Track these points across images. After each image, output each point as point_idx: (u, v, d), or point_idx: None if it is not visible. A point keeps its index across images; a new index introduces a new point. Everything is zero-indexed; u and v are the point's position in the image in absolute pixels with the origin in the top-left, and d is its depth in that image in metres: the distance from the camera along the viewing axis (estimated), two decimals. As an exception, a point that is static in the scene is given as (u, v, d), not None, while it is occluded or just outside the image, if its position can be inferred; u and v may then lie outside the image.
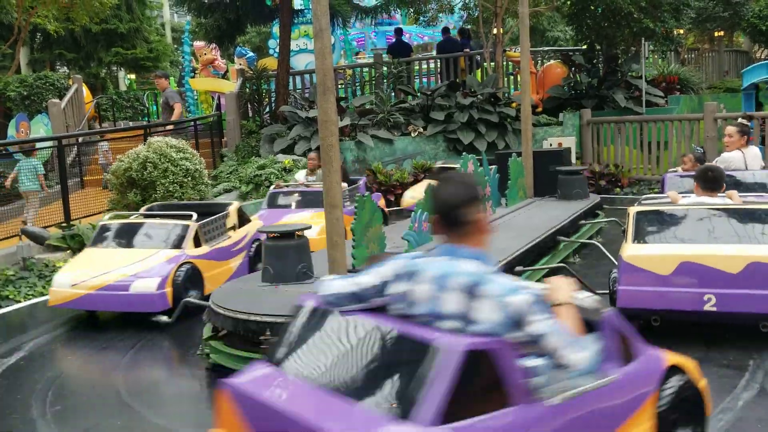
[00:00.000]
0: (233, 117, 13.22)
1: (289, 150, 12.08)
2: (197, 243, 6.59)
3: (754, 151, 6.81)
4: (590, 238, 7.98)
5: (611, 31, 14.50)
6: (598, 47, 15.36)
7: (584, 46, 15.63)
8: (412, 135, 12.78)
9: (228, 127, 13.34)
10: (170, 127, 11.92)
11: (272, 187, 9.26)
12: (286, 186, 9.17)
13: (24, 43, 17.48)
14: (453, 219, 2.57)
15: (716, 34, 22.90)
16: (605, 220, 8.66)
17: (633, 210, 5.23)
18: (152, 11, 24.92)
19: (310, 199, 8.51)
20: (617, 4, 13.48)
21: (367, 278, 2.78)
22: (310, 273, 5.26)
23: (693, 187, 5.49)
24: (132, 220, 6.98)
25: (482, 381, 2.32)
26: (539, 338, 2.38)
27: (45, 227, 8.81)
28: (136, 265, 6.10)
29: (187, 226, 6.57)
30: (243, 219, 7.48)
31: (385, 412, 2.27)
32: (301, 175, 9.39)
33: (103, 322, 6.23)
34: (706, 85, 18.36)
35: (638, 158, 12.90)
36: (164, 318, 5.91)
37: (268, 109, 14.34)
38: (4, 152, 11.53)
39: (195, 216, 6.73)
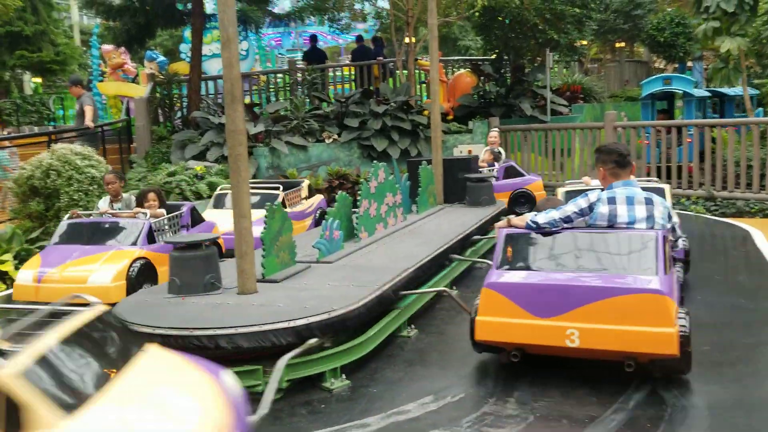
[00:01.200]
0: (143, 122, 12.93)
1: (201, 156, 11.93)
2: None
3: None
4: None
5: (518, 41, 15.04)
6: (506, 57, 15.88)
7: (493, 56, 16.13)
8: (327, 142, 12.85)
9: (137, 133, 13.04)
10: (76, 132, 11.54)
11: (66, 216, 7.49)
12: (86, 215, 7.49)
13: None
14: (625, 163, 4.52)
15: (617, 45, 24.02)
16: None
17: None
18: (60, 13, 24.01)
19: (106, 232, 7.08)
20: (523, 15, 13.99)
21: (571, 206, 4.50)
22: (218, 284, 5.25)
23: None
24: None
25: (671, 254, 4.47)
26: (675, 224, 4.58)
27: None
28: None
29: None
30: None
31: (627, 272, 4.19)
32: (104, 203, 7.65)
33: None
34: (608, 94, 19.23)
35: (543, 165, 13.38)
36: None
37: (179, 115, 14.11)
38: None
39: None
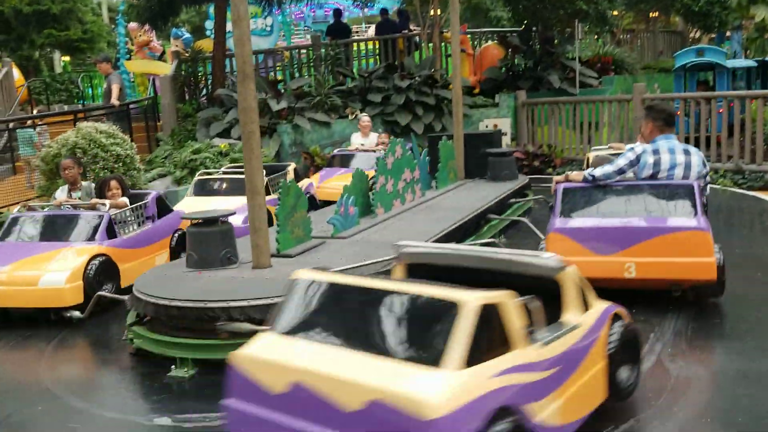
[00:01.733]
0: (168, 100, 13.07)
1: (225, 134, 12.02)
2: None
3: None
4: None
5: (546, 12, 14.79)
6: (534, 29, 15.65)
7: (521, 28, 15.91)
8: (350, 118, 12.85)
9: (163, 111, 13.18)
10: (104, 110, 11.72)
11: (16, 209, 7.28)
12: (41, 207, 6.94)
13: (-50, 24, 16.91)
14: (672, 122, 5.35)
15: (651, 15, 23.47)
16: (533, 198, 8.94)
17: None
18: (87, -9, 24.24)
19: (61, 227, 6.44)
20: (551, -14, 13.75)
21: (622, 160, 5.24)
22: (234, 258, 5.34)
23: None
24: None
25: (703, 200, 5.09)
26: (707, 172, 5.31)
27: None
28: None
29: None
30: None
31: (672, 215, 4.99)
32: (62, 192, 7.06)
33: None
34: (641, 66, 18.85)
35: (571, 138, 13.23)
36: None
37: (204, 92, 14.21)
38: None
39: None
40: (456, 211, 7.14)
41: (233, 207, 6.58)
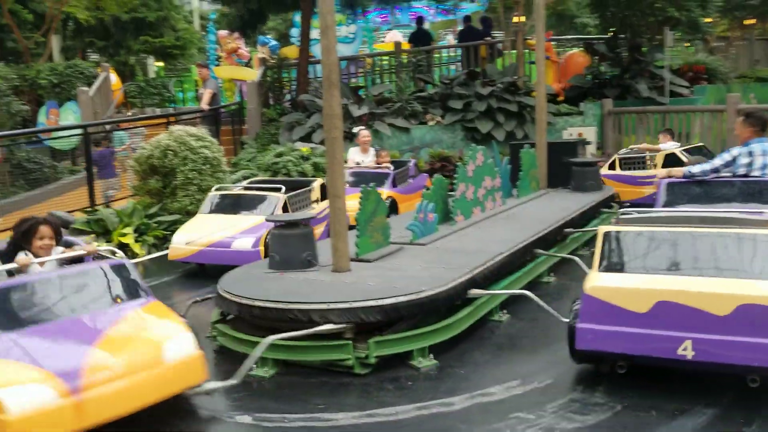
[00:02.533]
0: (254, 105, 13.43)
1: (307, 138, 12.26)
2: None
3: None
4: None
5: (635, 19, 14.43)
6: (622, 36, 15.28)
7: (608, 35, 15.56)
8: (430, 124, 12.87)
9: (248, 115, 13.56)
10: (196, 113, 12.16)
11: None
12: None
13: (56, 32, 17.89)
14: (765, 125, 5.56)
15: (746, 22, 22.54)
16: (613, 211, 8.71)
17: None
18: (180, 0, 25.22)
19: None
20: (640, -8, 13.42)
21: (718, 160, 5.59)
22: (314, 261, 5.44)
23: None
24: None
25: None
26: None
27: (70, 212, 9.10)
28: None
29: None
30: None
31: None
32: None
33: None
34: (736, 75, 18.10)
35: (659, 149, 12.82)
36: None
37: (288, 97, 14.53)
38: (34, 139, 11.87)
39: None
40: (537, 220, 7.04)
41: (244, 227, 7.17)
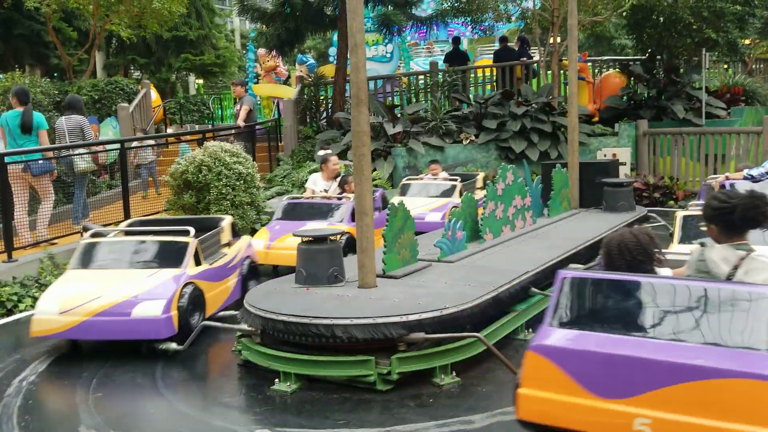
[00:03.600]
0: (290, 122, 13.62)
1: (342, 155, 12.36)
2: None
3: None
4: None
5: (672, 41, 14.30)
6: (658, 57, 15.15)
7: (645, 56, 15.44)
8: (464, 143, 12.89)
9: (285, 132, 13.76)
10: (233, 130, 12.38)
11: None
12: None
13: (99, 49, 18.38)
14: None
15: (788, 43, 22.15)
16: (650, 225, 8.63)
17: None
18: (222, 18, 25.72)
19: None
20: (678, 14, 13.30)
21: None
22: (341, 276, 5.47)
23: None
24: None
25: None
26: None
27: (105, 225, 9.30)
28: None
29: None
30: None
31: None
32: None
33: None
34: (775, 97, 17.78)
35: (695, 170, 12.66)
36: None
37: (324, 115, 14.70)
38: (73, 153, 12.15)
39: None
40: (567, 240, 6.99)
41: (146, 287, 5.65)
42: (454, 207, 7.22)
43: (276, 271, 7.71)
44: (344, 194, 8.77)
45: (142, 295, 5.35)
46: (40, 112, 9.05)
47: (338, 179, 9.04)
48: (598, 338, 3.20)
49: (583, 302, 3.41)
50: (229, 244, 6.82)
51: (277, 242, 7.78)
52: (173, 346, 5.33)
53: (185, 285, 5.60)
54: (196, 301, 5.70)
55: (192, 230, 6.14)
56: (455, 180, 10.21)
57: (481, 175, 11.19)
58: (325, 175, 9.15)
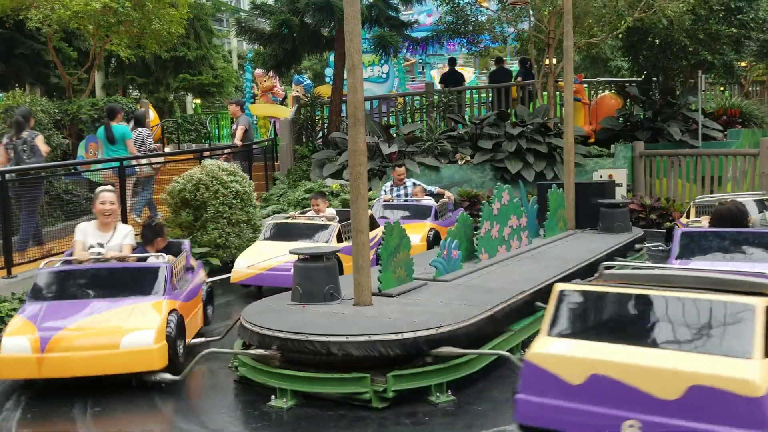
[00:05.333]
0: (287, 142, 13.69)
1: (338, 175, 12.42)
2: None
3: None
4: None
5: (668, 62, 14.45)
6: (654, 79, 15.29)
7: (641, 78, 15.58)
8: (459, 163, 12.95)
9: (281, 152, 13.81)
10: (228, 150, 12.43)
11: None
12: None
13: (99, 69, 18.46)
14: None
15: (783, 66, 22.33)
16: (646, 245, 8.68)
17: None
18: (220, 39, 25.90)
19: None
20: (673, 36, 13.44)
21: None
22: (337, 294, 5.49)
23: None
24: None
25: None
26: None
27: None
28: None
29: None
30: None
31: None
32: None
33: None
34: (772, 119, 17.91)
35: (692, 192, 12.72)
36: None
37: (320, 135, 14.77)
38: (72, 171, 12.19)
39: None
40: (562, 260, 7.02)
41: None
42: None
43: (260, 292, 7.72)
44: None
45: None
46: (124, 125, 10.58)
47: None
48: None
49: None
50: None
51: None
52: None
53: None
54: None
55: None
56: (333, 217, 8.39)
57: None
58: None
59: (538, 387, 3.57)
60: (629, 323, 3.65)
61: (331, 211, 8.86)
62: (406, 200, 10.41)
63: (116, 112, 10.51)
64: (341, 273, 6.83)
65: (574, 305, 3.80)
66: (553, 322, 3.78)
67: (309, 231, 8.25)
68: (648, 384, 3.26)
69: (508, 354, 4.79)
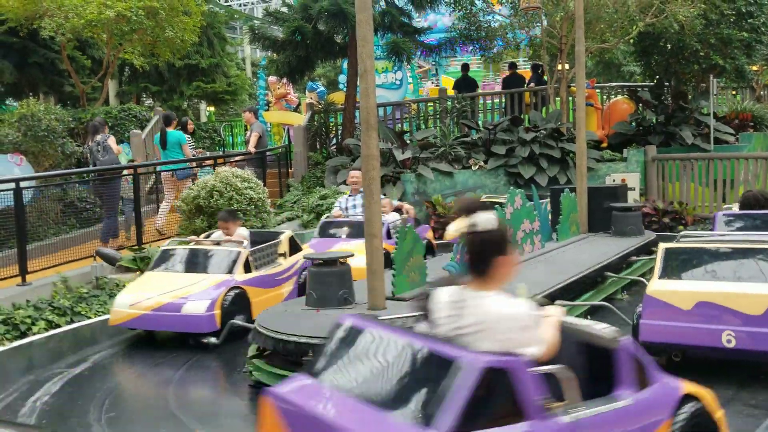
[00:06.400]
0: (300, 149, 13.75)
1: (351, 181, 12.45)
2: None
3: None
4: (642, 275, 7.94)
5: (680, 67, 14.42)
6: (666, 83, 15.25)
7: (653, 83, 15.56)
8: (473, 168, 12.97)
9: (295, 158, 13.88)
10: (245, 156, 12.54)
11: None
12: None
13: (112, 77, 18.65)
14: None
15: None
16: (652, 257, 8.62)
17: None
18: (233, 47, 26.04)
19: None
20: (685, 41, 13.42)
21: None
22: (350, 299, 5.53)
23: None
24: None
25: None
26: None
27: (118, 249, 9.40)
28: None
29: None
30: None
31: None
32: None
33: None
34: (784, 123, 17.80)
35: (704, 195, 12.67)
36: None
37: (334, 142, 14.83)
38: (86, 178, 12.32)
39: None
40: (575, 264, 7.03)
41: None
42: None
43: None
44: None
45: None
46: (179, 131, 11.37)
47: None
48: None
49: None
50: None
51: None
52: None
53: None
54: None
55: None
56: (240, 243, 7.30)
57: (286, 236, 8.10)
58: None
59: (657, 313, 4.98)
60: (716, 267, 5.08)
61: (242, 233, 7.53)
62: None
63: (171, 119, 11.41)
64: (249, 312, 6.47)
65: (674, 257, 5.25)
66: (663, 270, 5.20)
67: (208, 259, 6.99)
68: (739, 305, 4.72)
69: (609, 305, 5.96)
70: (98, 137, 10.18)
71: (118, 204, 10.13)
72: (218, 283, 6.49)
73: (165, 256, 7.16)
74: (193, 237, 7.92)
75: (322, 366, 3.18)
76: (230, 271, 6.75)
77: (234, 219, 7.70)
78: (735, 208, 7.47)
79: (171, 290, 6.40)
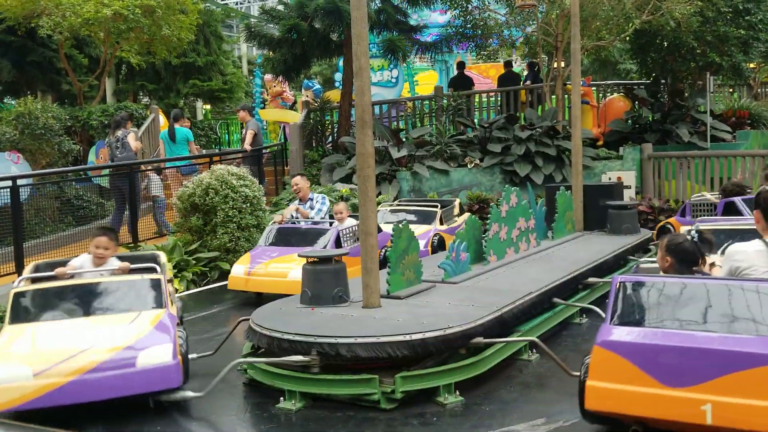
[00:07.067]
0: (296, 146, 13.76)
1: (347, 179, 12.46)
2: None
3: None
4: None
5: (676, 65, 14.44)
6: (663, 81, 15.27)
7: (649, 80, 15.57)
8: (469, 166, 12.98)
9: (291, 156, 13.88)
10: (241, 154, 12.55)
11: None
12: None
13: (109, 75, 18.58)
14: None
15: (793, 67, 22.24)
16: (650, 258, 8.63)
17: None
18: (229, 45, 25.99)
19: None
20: (681, 38, 13.43)
21: None
22: (345, 297, 5.52)
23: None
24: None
25: None
26: None
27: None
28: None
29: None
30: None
31: None
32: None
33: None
34: (781, 120, 17.82)
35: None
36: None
37: (330, 140, 14.84)
38: (83, 176, 12.31)
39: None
40: (570, 262, 7.03)
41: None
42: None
43: (260, 297, 7.64)
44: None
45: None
46: (187, 128, 12.17)
47: None
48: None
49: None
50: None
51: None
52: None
53: None
54: None
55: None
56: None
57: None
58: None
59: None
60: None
61: (114, 262, 5.69)
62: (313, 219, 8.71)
63: (180, 116, 12.25)
64: None
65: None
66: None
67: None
68: None
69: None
70: (119, 132, 10.53)
71: (125, 202, 10.17)
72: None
73: (14, 302, 5.09)
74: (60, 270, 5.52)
75: (636, 318, 3.82)
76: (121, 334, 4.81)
77: (111, 237, 5.75)
78: (708, 196, 8.22)
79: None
